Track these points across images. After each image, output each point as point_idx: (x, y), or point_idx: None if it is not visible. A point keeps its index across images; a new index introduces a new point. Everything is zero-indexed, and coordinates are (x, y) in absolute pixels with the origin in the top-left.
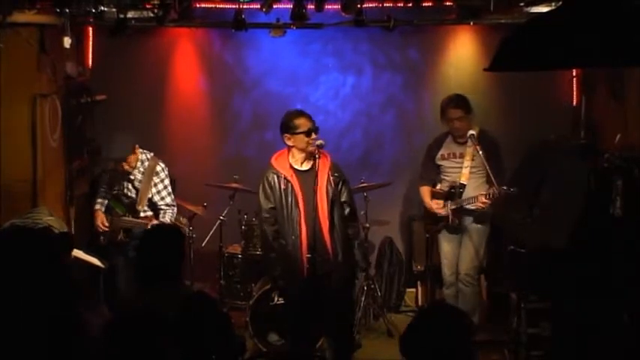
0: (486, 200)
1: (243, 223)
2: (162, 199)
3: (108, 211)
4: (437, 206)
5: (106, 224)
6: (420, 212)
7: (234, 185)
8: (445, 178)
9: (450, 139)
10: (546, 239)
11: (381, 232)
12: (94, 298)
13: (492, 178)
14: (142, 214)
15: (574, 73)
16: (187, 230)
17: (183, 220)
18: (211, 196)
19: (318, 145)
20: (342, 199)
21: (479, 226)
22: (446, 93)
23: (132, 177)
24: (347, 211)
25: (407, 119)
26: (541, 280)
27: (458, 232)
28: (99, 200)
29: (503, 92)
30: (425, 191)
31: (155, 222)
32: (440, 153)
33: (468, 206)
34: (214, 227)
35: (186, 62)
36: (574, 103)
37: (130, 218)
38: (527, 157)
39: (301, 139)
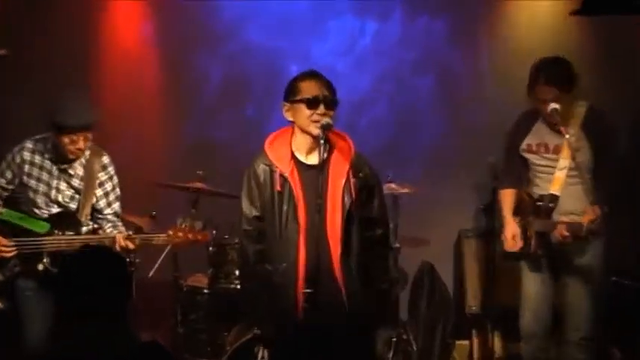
0: (574, 233)
1: (212, 242)
2: (109, 205)
3: (8, 226)
4: (512, 244)
5: (7, 248)
6: (479, 226)
7: (198, 185)
8: (536, 180)
9: (541, 122)
10: None
11: (416, 255)
12: None
13: (588, 192)
14: (84, 228)
15: None
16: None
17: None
18: (163, 202)
19: (322, 126)
20: (370, 214)
21: (587, 259)
22: (514, 48)
23: (71, 172)
24: (378, 232)
25: (454, 86)
26: None
27: (555, 265)
28: None
29: (597, 48)
30: (506, 198)
31: (126, 239)
32: (526, 142)
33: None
34: (167, 249)
35: (126, 3)
36: None
37: (66, 235)
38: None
39: (301, 112)
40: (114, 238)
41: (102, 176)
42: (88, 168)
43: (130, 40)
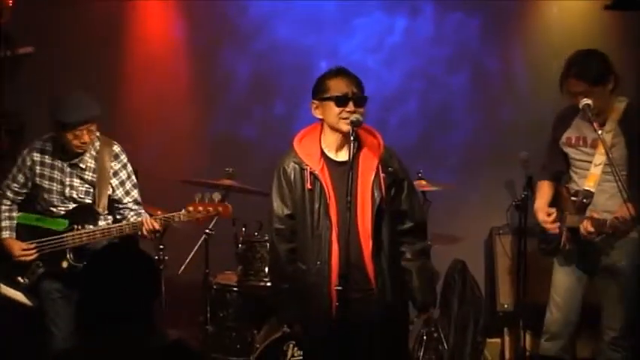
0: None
1: (241, 239)
2: (128, 193)
3: (26, 229)
4: (547, 218)
5: (28, 251)
6: (511, 223)
7: (227, 182)
8: (573, 175)
9: (582, 116)
10: None
11: (448, 253)
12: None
13: (621, 188)
14: (101, 222)
15: None
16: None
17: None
18: (191, 199)
19: (352, 122)
20: (402, 207)
21: (620, 257)
22: (546, 44)
23: (82, 165)
24: (407, 225)
25: (487, 84)
26: None
27: (587, 262)
28: (5, 215)
29: (633, 41)
30: (543, 188)
31: (152, 221)
32: (566, 135)
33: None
34: (197, 246)
35: (154, 2)
36: None
37: (82, 229)
38: None
39: (330, 109)
40: (134, 224)
41: (115, 165)
42: (99, 159)
43: (158, 39)
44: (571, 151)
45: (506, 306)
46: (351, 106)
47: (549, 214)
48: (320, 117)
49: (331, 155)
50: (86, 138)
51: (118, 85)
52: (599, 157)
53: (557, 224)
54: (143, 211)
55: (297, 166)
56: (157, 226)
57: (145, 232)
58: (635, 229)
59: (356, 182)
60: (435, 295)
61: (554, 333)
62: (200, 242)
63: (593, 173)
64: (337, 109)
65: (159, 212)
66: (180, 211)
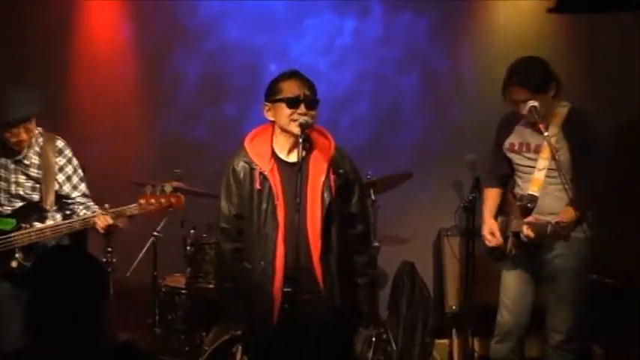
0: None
1: (190, 241)
2: (75, 188)
3: None
4: (490, 238)
5: None
6: (459, 225)
7: (176, 184)
8: (518, 179)
9: (524, 122)
10: None
11: (396, 254)
12: None
13: (567, 190)
14: (50, 219)
15: None
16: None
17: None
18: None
19: (301, 125)
20: (352, 210)
21: (566, 262)
22: (495, 45)
23: (27, 162)
24: (359, 230)
25: (436, 85)
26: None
27: (534, 265)
28: None
29: (579, 44)
30: (488, 196)
31: (105, 217)
32: (509, 141)
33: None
34: (145, 248)
35: (103, 2)
36: None
37: (31, 227)
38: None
39: (281, 111)
40: (84, 219)
41: (60, 161)
42: (43, 155)
43: (106, 39)
44: (515, 157)
45: (454, 307)
46: (302, 109)
47: (492, 233)
48: (272, 119)
49: (282, 156)
50: (24, 136)
51: (66, 85)
52: (543, 162)
53: (500, 241)
54: (92, 203)
55: (247, 165)
56: (110, 220)
57: (99, 229)
58: (579, 229)
59: (306, 184)
60: (371, 317)
61: (504, 335)
62: (148, 244)
63: (536, 178)
64: (288, 111)
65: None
66: (132, 204)
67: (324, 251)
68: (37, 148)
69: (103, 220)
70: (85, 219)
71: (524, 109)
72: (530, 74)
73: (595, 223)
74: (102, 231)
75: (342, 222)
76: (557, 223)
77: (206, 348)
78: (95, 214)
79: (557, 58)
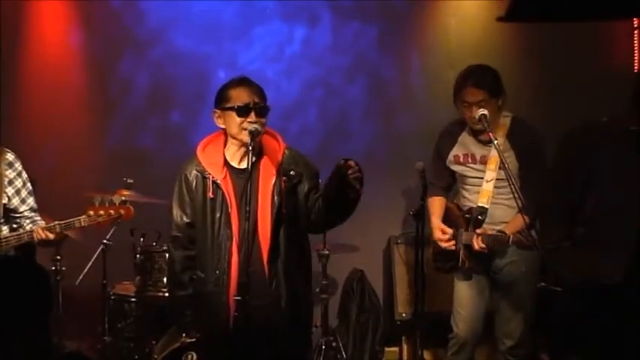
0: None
1: (139, 249)
2: (24, 201)
3: None
4: (442, 236)
5: None
6: (408, 233)
7: (125, 192)
8: (463, 192)
9: (467, 133)
10: (594, 271)
11: (346, 262)
12: None
13: (517, 199)
14: (4, 228)
15: (635, 24)
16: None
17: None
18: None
19: (251, 132)
20: (308, 210)
21: (519, 268)
22: (443, 54)
23: None
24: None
25: (384, 93)
26: (586, 332)
27: (487, 273)
28: None
29: (529, 54)
30: (435, 204)
31: (44, 229)
32: (453, 153)
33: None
34: (94, 256)
35: (48, 6)
36: (635, 68)
37: None
38: (566, 151)
39: (232, 120)
40: (30, 232)
41: (10, 174)
42: None
43: (53, 44)
44: (460, 169)
45: (404, 315)
46: (252, 117)
47: (444, 232)
48: (222, 126)
49: (234, 164)
50: None
51: (11, 89)
52: (490, 174)
53: (453, 242)
54: (39, 218)
55: (199, 174)
56: (50, 236)
57: (37, 241)
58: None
59: (257, 190)
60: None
61: (460, 347)
62: (98, 252)
63: (485, 190)
64: (239, 120)
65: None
66: (81, 216)
67: (272, 255)
68: None
69: (40, 234)
70: (30, 232)
71: (475, 113)
72: (485, 76)
73: (542, 230)
74: (39, 245)
75: (291, 224)
76: (519, 232)
77: (156, 356)
78: (40, 225)
79: (506, 66)
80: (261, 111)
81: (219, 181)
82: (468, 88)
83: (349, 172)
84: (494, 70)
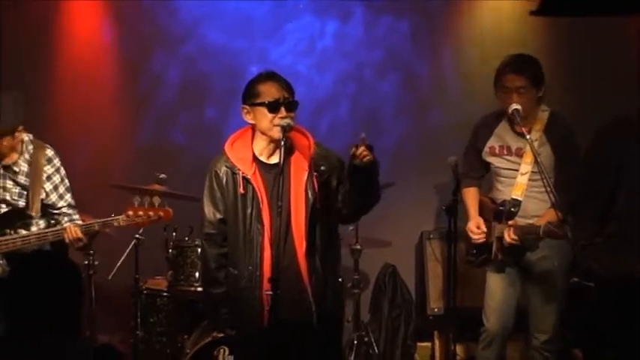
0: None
1: (171, 244)
2: (62, 197)
3: None
4: (474, 228)
5: None
6: (440, 228)
7: (157, 187)
8: (497, 185)
9: (504, 124)
10: (626, 266)
11: (378, 257)
12: None
13: (553, 199)
14: (34, 226)
15: None
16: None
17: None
18: (121, 205)
19: (283, 127)
20: (339, 203)
21: (552, 263)
22: (476, 49)
23: (16, 169)
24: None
25: (416, 88)
26: (619, 327)
27: (519, 267)
28: None
29: (561, 50)
30: (470, 195)
31: (76, 226)
32: (488, 145)
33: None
34: (127, 251)
35: (80, 4)
36: None
37: (16, 234)
38: (597, 147)
39: (262, 115)
40: (59, 231)
41: (48, 170)
42: (32, 163)
43: (85, 42)
44: (495, 160)
45: (436, 310)
46: (282, 112)
47: (478, 227)
48: (251, 122)
49: (263, 159)
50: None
51: (42, 88)
52: (525, 167)
53: (484, 234)
54: (77, 216)
55: (229, 170)
56: (80, 234)
57: (67, 241)
58: (556, 234)
59: (289, 185)
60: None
61: (491, 341)
62: (130, 247)
63: (520, 182)
64: (270, 116)
65: (86, 219)
66: (120, 215)
67: (308, 251)
68: (27, 156)
69: (72, 233)
70: (64, 228)
71: (513, 100)
72: (526, 64)
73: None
74: (72, 244)
75: (326, 219)
76: (549, 223)
77: (188, 351)
78: (73, 222)
79: (539, 60)
80: (291, 106)
81: (249, 177)
82: (509, 74)
83: (357, 153)
84: (536, 59)
